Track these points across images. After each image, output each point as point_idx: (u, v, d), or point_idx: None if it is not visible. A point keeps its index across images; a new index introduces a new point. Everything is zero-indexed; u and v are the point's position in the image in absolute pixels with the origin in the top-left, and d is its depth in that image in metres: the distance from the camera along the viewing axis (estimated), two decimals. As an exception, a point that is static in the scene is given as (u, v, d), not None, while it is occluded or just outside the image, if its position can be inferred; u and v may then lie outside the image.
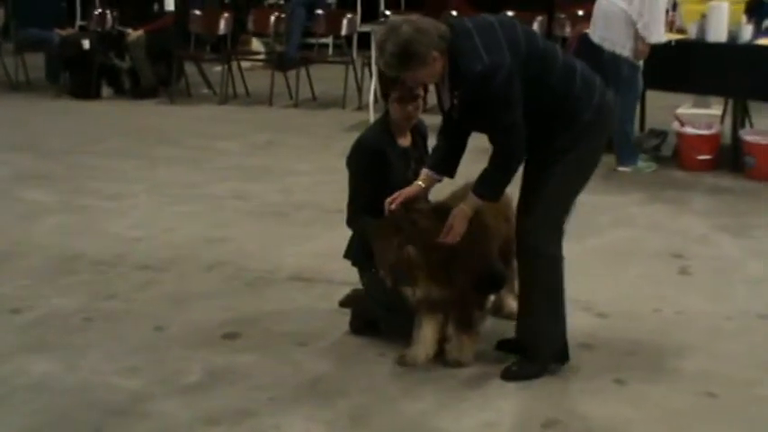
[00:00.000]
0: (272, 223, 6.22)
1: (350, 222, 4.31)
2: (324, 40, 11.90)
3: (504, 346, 4.15)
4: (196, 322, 4.59)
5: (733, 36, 7.28)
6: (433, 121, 4.25)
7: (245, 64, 11.35)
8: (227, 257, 5.48)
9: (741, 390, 3.91)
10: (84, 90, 10.85)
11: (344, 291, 4.58)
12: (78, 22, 12.48)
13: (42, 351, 4.28)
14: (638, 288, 5.02)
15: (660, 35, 6.99)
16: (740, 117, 7.65)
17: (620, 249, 5.65)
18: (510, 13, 10.53)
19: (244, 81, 10.95)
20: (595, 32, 7.20)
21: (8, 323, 4.60)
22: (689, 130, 7.46)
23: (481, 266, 4.07)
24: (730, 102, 7.90)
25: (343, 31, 10.93)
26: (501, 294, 4.42)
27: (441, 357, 4.08)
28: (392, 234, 3.88)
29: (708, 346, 4.31)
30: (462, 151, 3.93)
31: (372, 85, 9.21)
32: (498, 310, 4.47)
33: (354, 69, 10.43)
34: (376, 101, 8.80)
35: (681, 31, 7.56)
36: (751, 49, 7.23)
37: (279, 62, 10.76)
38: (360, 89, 10.11)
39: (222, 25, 10.94)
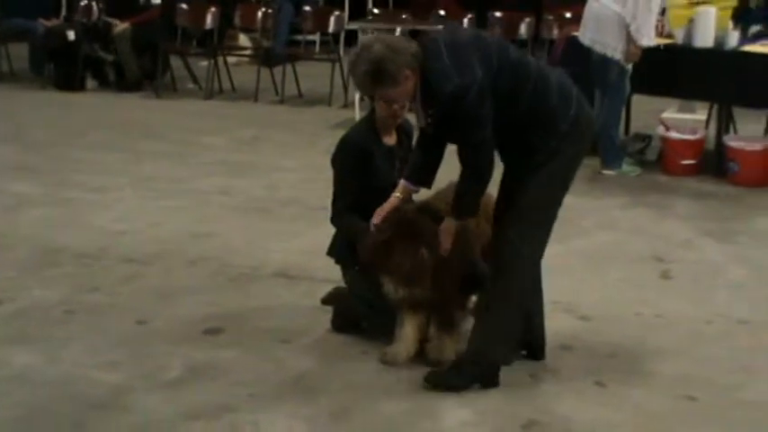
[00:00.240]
0: (256, 219, 6.22)
1: (334, 220, 4.31)
2: (311, 37, 11.89)
3: None
4: (179, 317, 4.59)
5: (719, 42, 7.32)
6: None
7: (231, 59, 11.33)
8: (212, 253, 5.48)
9: (721, 393, 3.94)
10: (69, 82, 10.80)
11: (327, 288, 4.59)
12: (63, 13, 12.41)
13: (24, 343, 4.27)
14: (620, 291, 5.05)
15: (651, 38, 7.02)
16: (725, 123, 7.68)
17: (602, 252, 5.67)
18: (498, 14, 10.61)
19: (230, 76, 10.93)
20: (585, 34, 7.22)
21: (-11, 314, 4.59)
22: (674, 134, 7.50)
23: (464, 267, 4.08)
24: (715, 107, 7.94)
25: (331, 29, 10.92)
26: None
27: (422, 356, 4.09)
28: (405, 238, 3.88)
29: (688, 350, 4.34)
30: (439, 162, 3.94)
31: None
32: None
33: (341, 67, 10.42)
34: (362, 99, 8.78)
35: (668, 35, 7.59)
36: (737, 55, 7.27)
37: (265, 58, 10.74)
38: (346, 87, 10.10)
39: (209, 20, 10.91)
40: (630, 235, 6.01)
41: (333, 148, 4.31)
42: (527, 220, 3.81)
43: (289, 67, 10.47)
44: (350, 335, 4.38)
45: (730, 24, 7.46)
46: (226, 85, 10.90)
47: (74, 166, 7.48)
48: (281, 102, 10.34)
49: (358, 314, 4.38)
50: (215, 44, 10.96)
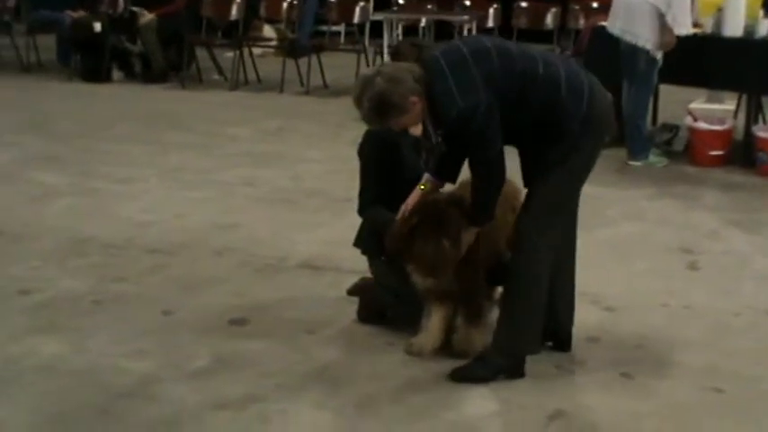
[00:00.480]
0: (281, 210, 6.22)
1: (361, 211, 4.31)
2: (336, 28, 11.91)
3: None
4: (205, 307, 4.60)
5: (749, 31, 7.25)
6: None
7: (256, 50, 11.36)
8: (237, 243, 5.49)
9: (748, 385, 3.91)
10: (95, 73, 10.87)
11: (353, 279, 4.58)
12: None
13: (51, 332, 4.30)
14: (647, 282, 5.02)
15: (688, 26, 6.97)
16: (754, 113, 7.62)
17: (629, 243, 5.65)
18: (523, 4, 10.55)
19: (255, 67, 10.96)
20: (615, 24, 7.17)
21: (18, 304, 4.62)
22: (701, 125, 7.44)
23: (490, 258, 4.07)
24: (744, 97, 7.88)
25: (356, 19, 10.93)
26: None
27: (448, 347, 4.09)
28: (425, 230, 3.87)
29: (715, 342, 4.31)
30: (465, 157, 3.92)
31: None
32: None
33: (366, 57, 10.44)
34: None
35: (697, 24, 7.53)
36: (767, 44, 7.19)
37: (290, 49, 10.76)
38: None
39: (234, 11, 10.95)
40: (657, 226, 5.98)
41: (358, 139, 4.31)
42: (545, 213, 3.80)
43: (314, 58, 10.47)
44: (375, 326, 4.38)
45: (761, 13, 7.39)
46: (251, 76, 10.93)
47: (100, 156, 7.52)
48: (307, 93, 10.35)
49: (384, 305, 4.37)
50: (240, 35, 10.99)
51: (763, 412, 3.72)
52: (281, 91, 10.41)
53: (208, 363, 4.03)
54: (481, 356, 3.92)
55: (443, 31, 11.49)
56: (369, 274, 4.44)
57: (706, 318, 4.58)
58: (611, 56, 7.25)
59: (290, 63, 10.54)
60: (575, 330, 4.15)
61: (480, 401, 3.73)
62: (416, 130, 4.28)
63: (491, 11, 10.81)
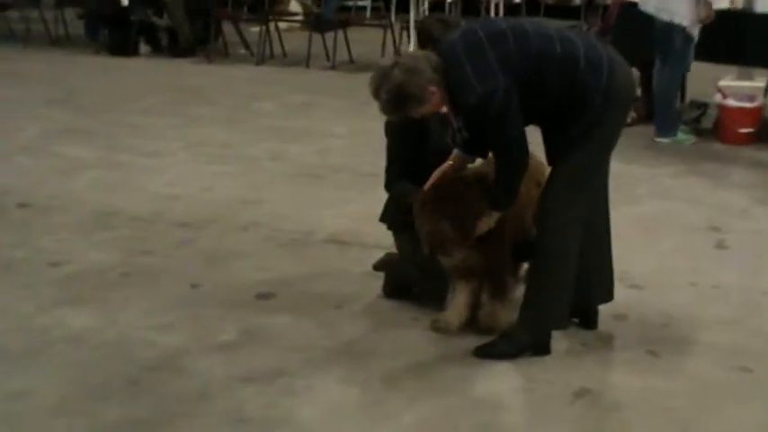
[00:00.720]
0: (307, 185, 6.23)
1: (388, 187, 4.31)
2: (362, 3, 11.85)
3: None
4: (231, 281, 4.63)
5: (782, 6, 7.18)
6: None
7: (282, 25, 11.34)
8: (263, 218, 5.51)
9: (776, 365, 3.90)
10: (123, 47, 10.90)
11: (379, 254, 4.59)
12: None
13: (80, 305, 4.33)
14: (674, 260, 4.99)
15: None
16: (784, 90, 7.55)
17: (656, 221, 5.62)
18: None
19: (281, 42, 10.95)
20: (649, 2, 7.10)
21: (47, 276, 4.66)
22: (731, 102, 7.38)
23: (516, 234, 4.06)
24: (774, 74, 7.80)
25: (382, -6, 10.88)
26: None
27: (474, 324, 4.09)
28: (430, 207, 3.88)
29: (743, 321, 4.29)
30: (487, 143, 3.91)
31: (411, 49, 9.17)
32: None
33: (392, 32, 10.40)
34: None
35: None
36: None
37: (316, 24, 10.73)
38: (398, 53, 10.06)
39: (261, -15, 10.92)
40: (685, 204, 5.94)
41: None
42: (569, 189, 3.78)
43: (340, 33, 10.45)
44: (401, 301, 4.38)
45: (793, -12, 7.30)
46: (277, 50, 10.92)
47: (127, 130, 7.56)
48: (333, 67, 10.33)
49: (409, 280, 4.38)
50: (266, 10, 10.97)
51: (790, 392, 3.71)
52: (308, 66, 10.40)
53: (235, 336, 4.06)
54: (506, 333, 3.92)
55: (470, 6, 11.43)
56: (394, 250, 4.44)
57: (734, 297, 4.55)
58: (640, 32, 7.19)
59: (317, 38, 10.52)
60: (601, 308, 4.14)
61: (505, 378, 3.74)
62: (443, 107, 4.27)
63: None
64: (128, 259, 4.88)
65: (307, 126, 7.81)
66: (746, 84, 8.16)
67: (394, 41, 10.33)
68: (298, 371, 3.76)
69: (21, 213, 5.59)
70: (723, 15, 7.13)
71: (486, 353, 3.88)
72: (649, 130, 7.38)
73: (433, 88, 3.65)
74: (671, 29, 6.97)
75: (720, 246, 5.24)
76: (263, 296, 4.46)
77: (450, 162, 3.98)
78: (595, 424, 3.45)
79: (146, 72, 10.20)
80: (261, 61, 10.68)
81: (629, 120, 7.41)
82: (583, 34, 3.93)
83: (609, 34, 8.13)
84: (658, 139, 7.32)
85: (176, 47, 11.01)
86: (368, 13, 11.94)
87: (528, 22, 3.84)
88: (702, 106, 7.88)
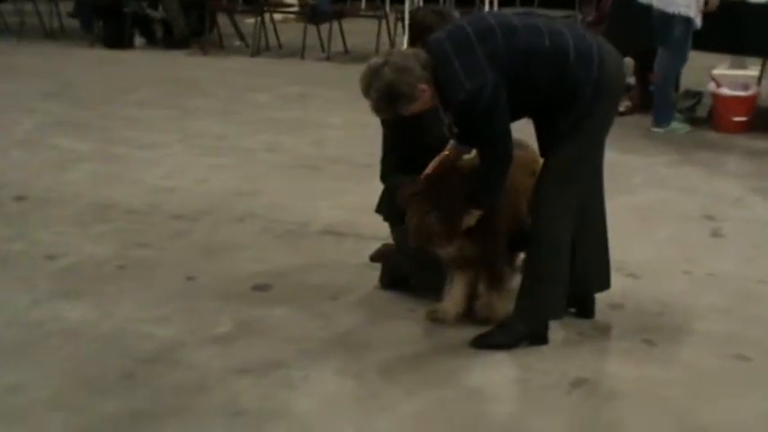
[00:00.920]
0: (303, 176, 6.23)
1: (383, 178, 4.30)
2: (357, -6, 11.84)
3: None
4: (227, 273, 4.62)
5: (776, -4, 7.17)
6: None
7: (277, 16, 11.32)
8: (259, 210, 5.51)
9: (771, 353, 3.90)
10: (117, 39, 10.87)
11: (375, 245, 4.59)
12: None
13: (76, 297, 4.33)
14: (670, 249, 5.00)
15: None
16: (778, 79, 7.55)
17: (652, 210, 5.62)
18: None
19: (276, 33, 10.92)
20: None
21: (43, 269, 4.66)
22: (725, 91, 7.38)
23: (512, 224, 4.06)
24: (768, 63, 7.80)
25: (377, -15, 10.86)
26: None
27: (470, 314, 4.09)
28: (417, 200, 3.88)
29: (739, 309, 4.29)
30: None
31: (405, 40, 9.15)
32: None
33: (387, 23, 10.38)
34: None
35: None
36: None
37: (311, 15, 10.71)
38: (393, 44, 10.06)
39: (256, -24, 10.89)
40: (680, 193, 5.95)
41: (380, 105, 4.29)
42: (559, 181, 3.79)
43: (335, 24, 10.43)
44: (397, 292, 4.38)
45: (787, -22, 7.29)
46: (272, 42, 10.90)
47: (122, 123, 7.54)
48: (328, 59, 10.32)
49: (406, 271, 4.38)
50: (261, 1, 10.94)
51: (786, 380, 3.72)
52: (302, 57, 10.38)
53: (231, 328, 4.06)
54: (503, 323, 3.93)
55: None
56: (391, 241, 4.44)
57: (729, 285, 4.56)
58: (635, 21, 7.18)
59: (312, 29, 10.50)
60: (597, 297, 4.14)
61: (502, 368, 3.74)
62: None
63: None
64: (123, 252, 4.88)
65: (302, 117, 7.80)
66: (740, 72, 8.17)
67: (389, 32, 10.31)
68: (294, 362, 3.76)
69: (17, 206, 5.58)
70: (718, 5, 7.12)
71: (482, 343, 3.88)
72: (644, 119, 7.38)
73: (423, 86, 3.65)
74: (670, 18, 6.96)
75: (715, 234, 5.24)
76: (260, 288, 4.46)
77: (447, 152, 3.98)
78: (592, 414, 3.46)
79: (141, 64, 10.18)
80: (256, 53, 10.66)
81: (623, 109, 7.47)
82: (572, 25, 3.93)
83: (603, 23, 8.12)
84: (654, 129, 7.31)
85: (171, 39, 10.98)
86: (363, 4, 11.93)
87: (517, 18, 3.84)
88: (697, 95, 7.89)
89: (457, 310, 4.09)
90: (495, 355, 3.82)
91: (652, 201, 5.80)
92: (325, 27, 10.47)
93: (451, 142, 3.97)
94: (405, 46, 9.14)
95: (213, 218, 5.39)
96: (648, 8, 7.10)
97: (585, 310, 4.13)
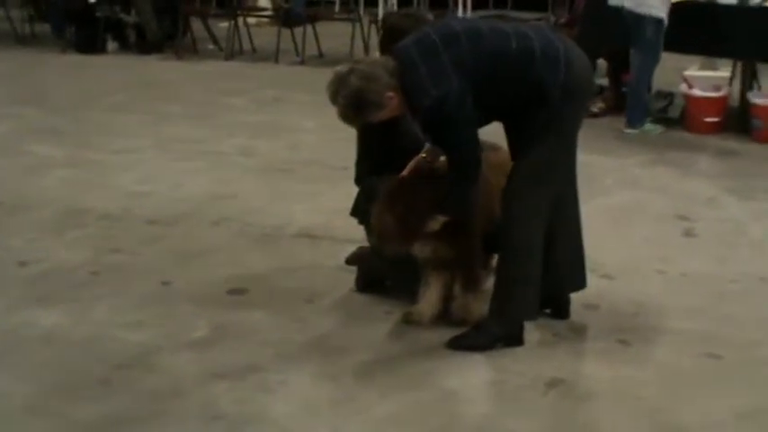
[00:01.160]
0: (278, 180, 6.22)
1: (358, 181, 4.31)
2: (331, -3, 11.85)
3: None
4: (202, 277, 4.61)
5: (744, -3, 7.24)
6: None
7: (251, 20, 11.31)
8: (234, 213, 5.50)
9: (745, 351, 3.93)
10: (90, 44, 10.82)
11: (350, 248, 4.59)
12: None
13: (50, 304, 4.30)
14: (644, 249, 5.04)
15: None
16: (748, 79, 7.62)
17: (625, 211, 5.66)
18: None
19: (250, 37, 10.91)
20: None
21: (16, 276, 4.63)
22: (696, 92, 7.44)
23: (486, 225, 4.07)
24: (739, 64, 7.86)
25: (351, -12, 10.87)
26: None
27: (446, 316, 4.10)
28: (381, 199, 3.90)
29: (712, 308, 4.33)
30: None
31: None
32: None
33: (361, 26, 10.39)
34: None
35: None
36: (762, 10, 7.19)
37: (285, 19, 10.71)
38: (367, 47, 10.07)
39: (229, -20, 10.88)
40: (654, 193, 5.99)
41: (355, 109, 4.29)
42: (529, 183, 3.79)
43: (309, 28, 10.44)
44: (373, 295, 4.39)
45: (755, -20, 7.37)
46: (246, 46, 10.89)
47: (96, 128, 7.51)
48: (302, 62, 10.32)
49: (381, 274, 4.38)
50: (235, 5, 10.94)
51: (760, 378, 3.74)
52: (277, 61, 10.37)
53: (207, 333, 4.05)
54: (479, 325, 3.94)
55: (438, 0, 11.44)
56: (366, 244, 4.45)
57: (702, 285, 4.59)
58: (607, 23, 7.24)
59: (285, 33, 10.50)
60: (573, 298, 4.16)
61: (477, 370, 3.75)
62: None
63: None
64: (98, 257, 4.86)
65: (276, 121, 7.80)
66: (711, 74, 8.24)
67: (363, 35, 10.32)
68: (270, 366, 3.76)
69: (-11, 213, 5.55)
70: (689, 6, 7.18)
71: (458, 345, 3.90)
72: (618, 120, 7.43)
73: (390, 93, 3.66)
74: (642, 19, 7.01)
75: (688, 234, 5.29)
76: (235, 292, 4.46)
77: (424, 154, 3.99)
78: (567, 414, 3.48)
79: (114, 69, 10.13)
80: (230, 57, 10.65)
81: (596, 110, 7.52)
82: (540, 28, 3.94)
83: (576, 25, 8.18)
84: (627, 130, 7.36)
85: (144, 43, 10.95)
86: (337, 8, 11.94)
87: (485, 22, 3.87)
88: (669, 96, 7.96)
89: (432, 312, 4.10)
90: (471, 356, 3.83)
91: (626, 201, 5.84)
92: (299, 30, 10.48)
93: (428, 145, 3.98)
94: (379, 49, 9.18)
95: (188, 222, 5.38)
96: (620, 9, 7.15)
97: (561, 310, 4.15)
